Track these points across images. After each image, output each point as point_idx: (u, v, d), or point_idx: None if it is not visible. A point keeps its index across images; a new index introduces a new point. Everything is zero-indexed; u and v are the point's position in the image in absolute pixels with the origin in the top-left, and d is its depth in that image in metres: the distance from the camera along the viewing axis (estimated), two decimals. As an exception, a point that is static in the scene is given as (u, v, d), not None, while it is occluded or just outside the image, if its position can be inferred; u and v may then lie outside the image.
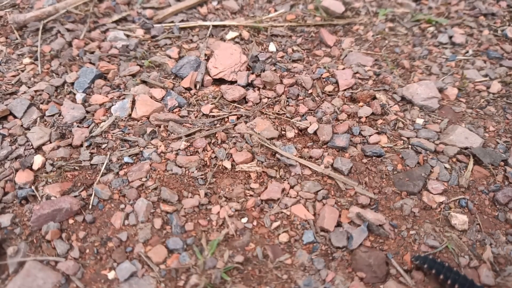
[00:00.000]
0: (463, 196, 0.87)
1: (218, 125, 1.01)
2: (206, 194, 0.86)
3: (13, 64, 1.18)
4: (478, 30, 1.35)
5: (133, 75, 1.15)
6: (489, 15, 1.41)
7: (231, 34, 1.29)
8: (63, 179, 0.89)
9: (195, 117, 1.03)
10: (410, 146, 0.97)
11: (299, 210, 0.84)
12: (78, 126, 0.99)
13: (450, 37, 1.31)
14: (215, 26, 1.33)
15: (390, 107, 1.06)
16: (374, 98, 1.08)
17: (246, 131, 0.98)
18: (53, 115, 1.03)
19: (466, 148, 0.96)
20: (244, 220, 0.83)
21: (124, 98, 1.06)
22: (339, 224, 0.82)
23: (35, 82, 1.13)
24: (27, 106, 1.03)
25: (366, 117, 1.03)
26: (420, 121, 1.03)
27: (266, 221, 0.82)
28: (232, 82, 1.13)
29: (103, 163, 0.91)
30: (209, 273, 0.74)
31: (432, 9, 1.44)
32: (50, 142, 0.96)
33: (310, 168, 0.91)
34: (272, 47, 1.26)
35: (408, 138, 0.99)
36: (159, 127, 0.99)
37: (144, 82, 1.12)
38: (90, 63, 1.18)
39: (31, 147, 0.95)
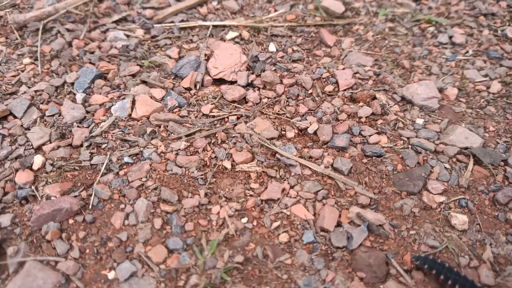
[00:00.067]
0: (463, 196, 0.87)
1: (218, 125, 1.01)
2: (206, 194, 0.86)
3: (13, 64, 1.19)
4: (478, 30, 1.35)
5: (133, 75, 1.15)
6: (489, 15, 1.41)
7: (231, 34, 1.29)
8: (63, 179, 0.89)
9: (195, 117, 1.03)
10: (410, 146, 0.97)
11: (299, 210, 0.84)
12: (78, 126, 0.99)
13: (450, 37, 1.31)
14: (215, 26, 1.33)
15: (390, 107, 1.06)
16: (374, 98, 1.08)
17: (246, 131, 0.98)
18: (53, 115, 1.03)
19: (466, 148, 0.96)
20: (244, 220, 0.83)
21: (124, 98, 1.06)
22: (339, 224, 0.82)
23: (35, 82, 1.13)
24: (27, 106, 1.03)
25: (366, 117, 1.03)
26: (420, 121, 1.03)
27: (266, 221, 0.82)
28: (232, 82, 1.13)
29: (103, 163, 0.91)
30: (209, 273, 0.74)
31: (432, 9, 1.44)
32: (50, 142, 0.96)
33: (310, 168, 0.91)
34: (272, 47, 1.26)
35: (408, 138, 0.99)
36: (159, 127, 0.99)
37: (144, 82, 1.12)
38: (90, 63, 1.18)
39: (31, 147, 0.95)
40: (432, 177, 0.91)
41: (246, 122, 1.01)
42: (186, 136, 0.97)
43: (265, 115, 1.04)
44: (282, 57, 1.22)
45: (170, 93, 1.07)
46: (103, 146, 0.95)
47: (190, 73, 1.12)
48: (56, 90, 1.10)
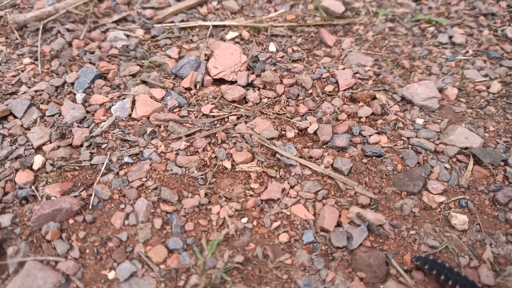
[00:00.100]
0: (463, 196, 0.87)
1: (218, 125, 1.01)
2: (206, 194, 0.86)
3: (13, 64, 1.19)
4: (478, 30, 1.35)
5: (133, 75, 1.15)
6: (489, 15, 1.41)
7: (231, 34, 1.29)
8: (63, 179, 0.89)
9: (195, 117, 1.03)
10: (410, 146, 0.97)
11: (299, 210, 0.84)
12: (78, 126, 0.99)
13: (450, 37, 1.31)
14: (215, 26, 1.33)
15: (390, 107, 1.06)
16: (374, 98, 1.08)
17: (246, 131, 0.98)
18: (53, 115, 1.03)
19: (466, 148, 0.96)
20: (244, 220, 0.83)
21: (124, 98, 1.07)
22: (339, 224, 0.82)
23: (35, 82, 1.13)
24: (27, 106, 1.03)
25: (366, 117, 1.03)
26: (420, 121, 1.03)
27: (266, 221, 0.82)
28: (232, 82, 1.13)
29: (103, 163, 0.91)
30: (209, 273, 0.74)
31: (432, 9, 1.44)
32: (50, 142, 0.96)
33: (310, 168, 0.91)
34: (272, 47, 1.26)
35: (408, 138, 0.99)
36: (159, 127, 0.99)
37: (144, 82, 1.12)
38: (90, 63, 1.18)
39: (31, 147, 0.95)
40: (432, 177, 0.91)
41: (246, 122, 1.01)
42: (186, 136, 0.97)
43: (265, 115, 1.04)
44: (282, 57, 1.22)
45: (170, 93, 1.07)
46: (103, 146, 0.95)
47: (190, 73, 1.12)
48: (56, 90, 1.10)
